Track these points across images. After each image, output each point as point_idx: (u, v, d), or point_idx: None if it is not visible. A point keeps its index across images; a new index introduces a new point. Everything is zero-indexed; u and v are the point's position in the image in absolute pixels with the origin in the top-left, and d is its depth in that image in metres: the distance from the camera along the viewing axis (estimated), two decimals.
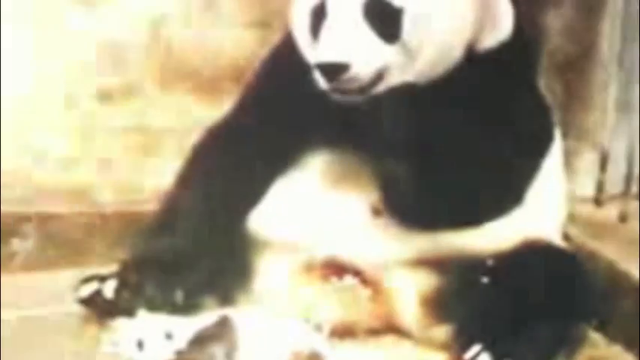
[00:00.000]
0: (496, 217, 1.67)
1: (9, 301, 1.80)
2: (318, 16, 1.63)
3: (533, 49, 1.81)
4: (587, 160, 2.30)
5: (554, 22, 2.28)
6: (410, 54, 1.60)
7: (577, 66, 2.31)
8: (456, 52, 1.62)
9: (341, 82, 1.56)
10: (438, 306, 1.67)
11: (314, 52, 1.60)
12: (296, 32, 1.70)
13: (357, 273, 1.72)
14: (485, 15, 1.64)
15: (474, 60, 1.63)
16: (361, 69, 1.56)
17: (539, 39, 2.17)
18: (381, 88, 1.60)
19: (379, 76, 1.59)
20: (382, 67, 1.59)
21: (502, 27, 1.68)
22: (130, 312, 1.68)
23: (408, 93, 1.60)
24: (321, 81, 1.59)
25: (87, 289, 1.72)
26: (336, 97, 1.59)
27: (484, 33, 1.65)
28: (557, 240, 1.77)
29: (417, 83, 1.61)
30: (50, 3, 2.08)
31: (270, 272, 1.74)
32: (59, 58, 2.11)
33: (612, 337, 1.80)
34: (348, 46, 1.56)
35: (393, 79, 1.61)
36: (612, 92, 2.24)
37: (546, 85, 1.83)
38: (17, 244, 2.07)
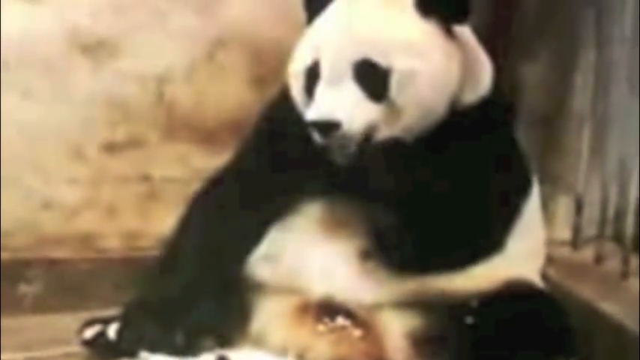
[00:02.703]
0: (479, 261, 1.69)
1: (16, 343, 1.81)
2: (312, 76, 1.66)
3: (510, 102, 1.85)
4: (563, 205, 2.31)
5: (530, 76, 2.32)
6: (396, 111, 1.62)
7: (552, 116, 2.33)
8: (440, 109, 1.65)
9: (333, 139, 1.59)
10: (426, 345, 1.67)
11: (308, 111, 1.62)
12: (292, 91, 1.73)
13: (348, 314, 1.72)
14: (467, 72, 1.67)
15: (455, 115, 1.66)
16: (351, 126, 1.59)
17: (516, 92, 2.22)
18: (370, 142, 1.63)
19: (368, 133, 1.62)
20: (370, 124, 1.62)
21: (482, 83, 1.71)
22: (132, 353, 1.68)
23: (394, 147, 1.63)
24: (315, 137, 1.62)
25: (91, 332, 1.72)
26: (335, 159, 1.62)
27: (466, 89, 1.67)
28: (537, 281, 1.79)
29: (403, 138, 1.63)
30: (60, 58, 2.10)
31: (266, 314, 1.74)
32: (67, 111, 2.13)
33: None
34: (339, 105, 1.60)
35: (381, 135, 1.64)
36: (585, 140, 2.26)
37: (523, 134, 1.84)
38: (24, 289, 2.08)
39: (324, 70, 1.64)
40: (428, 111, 1.64)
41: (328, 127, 1.59)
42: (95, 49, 2.12)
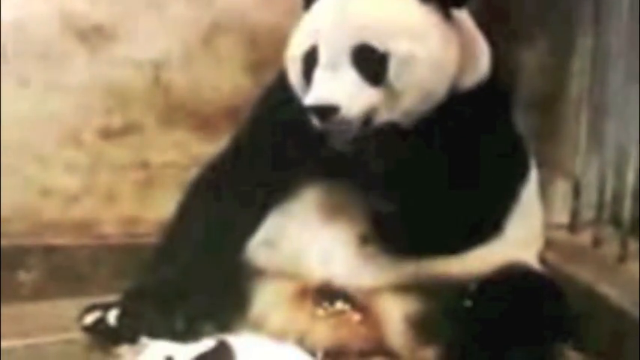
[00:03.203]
0: (477, 245, 1.69)
1: (16, 329, 1.80)
2: (310, 61, 1.65)
3: (508, 86, 1.84)
4: (561, 189, 2.31)
5: (528, 61, 2.31)
6: (395, 96, 1.61)
7: (550, 101, 2.33)
8: (439, 93, 1.64)
9: (332, 123, 1.58)
10: (425, 328, 1.68)
11: (307, 96, 1.61)
12: (290, 76, 1.72)
13: (347, 298, 1.73)
14: (465, 57, 1.66)
15: (454, 99, 1.65)
16: (350, 110, 1.58)
17: (514, 77, 2.21)
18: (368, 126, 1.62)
19: (367, 117, 1.61)
20: (369, 108, 1.61)
21: (480, 67, 1.71)
22: (132, 339, 1.68)
23: (392, 131, 1.62)
24: (314, 121, 1.61)
25: (91, 318, 1.72)
26: (333, 144, 1.61)
27: (464, 74, 1.67)
28: (535, 264, 1.78)
29: (402, 122, 1.63)
30: (56, 45, 2.09)
31: (266, 299, 1.74)
32: (65, 98, 2.12)
33: (590, 356, 1.81)
34: (337, 89, 1.59)
35: (380, 119, 1.63)
36: (583, 124, 2.26)
37: (521, 119, 1.84)
38: (23, 276, 2.08)
39: (322, 55, 1.63)
40: (427, 95, 1.63)
41: (327, 111, 1.58)
42: (91, 35, 2.11)
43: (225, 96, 2.23)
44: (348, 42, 1.61)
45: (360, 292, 1.72)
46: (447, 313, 1.66)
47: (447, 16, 1.65)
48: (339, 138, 1.61)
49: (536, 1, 2.32)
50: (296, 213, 1.76)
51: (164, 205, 1.89)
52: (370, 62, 1.60)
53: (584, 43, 2.27)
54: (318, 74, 1.62)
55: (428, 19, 1.63)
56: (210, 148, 1.92)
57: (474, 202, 1.64)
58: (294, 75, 1.71)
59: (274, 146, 1.75)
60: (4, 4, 2.04)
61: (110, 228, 2.19)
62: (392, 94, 1.62)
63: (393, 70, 1.60)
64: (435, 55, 1.62)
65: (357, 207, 1.71)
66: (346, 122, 1.59)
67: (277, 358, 1.62)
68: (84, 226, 2.16)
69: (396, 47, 1.60)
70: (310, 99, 1.59)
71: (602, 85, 2.23)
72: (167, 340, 1.65)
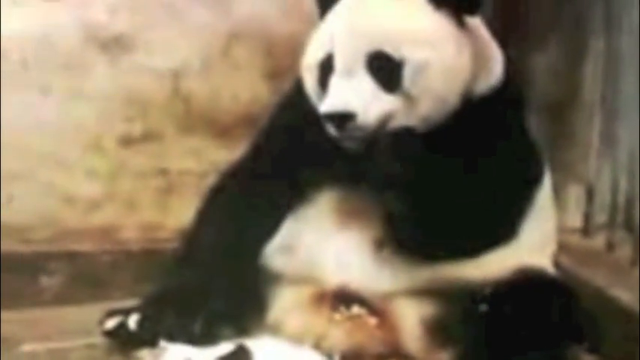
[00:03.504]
0: (492, 249, 1.70)
1: (38, 334, 1.83)
2: (325, 69, 1.67)
3: (521, 92, 1.83)
4: (575, 193, 2.31)
5: (540, 65, 2.33)
6: (411, 102, 1.63)
7: (562, 105, 2.34)
8: (454, 99, 1.65)
9: (348, 131, 1.60)
10: (440, 332, 1.69)
11: (323, 103, 1.62)
12: (306, 84, 1.73)
13: (364, 303, 1.74)
14: (478, 63, 1.67)
15: (468, 105, 1.66)
16: (366, 117, 1.60)
17: (527, 81, 2.21)
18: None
19: (383, 124, 1.62)
20: (385, 115, 1.62)
21: (494, 73, 1.72)
22: (152, 343, 1.70)
23: (407, 136, 1.63)
24: (330, 129, 1.62)
25: (111, 322, 1.74)
26: (346, 144, 1.62)
27: (478, 80, 1.68)
28: (549, 268, 1.79)
29: (414, 127, 1.63)
30: (77, 54, 2.12)
31: (283, 303, 1.76)
32: (86, 106, 2.15)
33: (603, 358, 1.79)
34: (353, 96, 1.60)
35: (395, 125, 1.64)
36: (596, 128, 2.27)
37: (534, 123, 1.84)
38: (45, 281, 2.10)
39: (338, 63, 1.64)
40: (441, 101, 1.64)
41: (343, 118, 1.59)
42: (112, 45, 2.15)
43: (244, 104, 2.26)
44: (363, 49, 1.62)
45: (376, 297, 1.73)
46: (463, 317, 1.66)
47: (461, 23, 1.66)
48: (354, 141, 1.62)
49: (548, 6, 2.33)
50: (312, 218, 1.78)
51: (183, 212, 1.91)
52: (386, 69, 1.61)
53: (596, 47, 2.28)
54: (334, 82, 1.63)
55: (442, 25, 1.64)
56: (228, 155, 1.94)
57: (489, 207, 1.65)
58: (310, 83, 1.73)
59: (291, 153, 1.76)
60: (27, 16, 2.07)
61: (131, 234, 2.21)
62: (407, 101, 1.63)
63: (408, 76, 1.62)
64: (449, 62, 1.63)
65: (373, 212, 1.72)
66: (362, 129, 1.60)
67: None
68: (105, 232, 2.19)
69: (411, 54, 1.61)
70: (326, 106, 1.60)
71: (615, 90, 2.23)
72: (186, 344, 1.67)
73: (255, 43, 2.26)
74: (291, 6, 2.21)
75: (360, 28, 1.64)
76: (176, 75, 2.21)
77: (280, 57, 2.24)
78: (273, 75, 2.25)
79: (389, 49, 1.62)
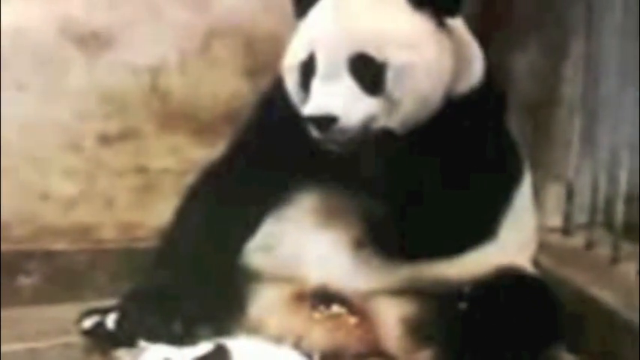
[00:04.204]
0: (472, 248, 1.70)
1: (16, 333, 1.82)
2: (307, 71, 1.66)
3: (502, 92, 1.84)
4: (554, 193, 2.31)
5: (521, 65, 2.32)
6: (393, 104, 1.63)
7: (542, 105, 2.34)
8: (436, 101, 1.65)
9: (331, 133, 1.59)
10: (420, 331, 1.70)
11: (305, 106, 1.62)
12: (287, 85, 1.73)
13: (343, 302, 1.74)
14: (460, 63, 1.68)
15: (448, 105, 1.66)
16: (349, 120, 1.59)
17: (508, 81, 2.20)
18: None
19: (365, 126, 1.62)
20: (368, 117, 1.62)
21: (474, 73, 1.72)
22: (130, 342, 1.68)
23: (386, 136, 1.63)
24: (313, 131, 1.62)
25: (89, 322, 1.72)
26: (328, 146, 1.62)
27: (458, 80, 1.68)
28: (529, 267, 1.80)
29: (398, 129, 1.64)
30: (54, 51, 2.09)
31: (263, 302, 1.75)
32: (63, 104, 2.12)
33: (582, 357, 1.83)
34: (336, 99, 1.60)
35: (377, 126, 1.64)
36: (576, 128, 2.27)
37: (514, 123, 1.85)
38: (23, 280, 2.08)
39: (320, 65, 1.64)
40: (424, 103, 1.65)
41: (326, 121, 1.59)
42: (89, 41, 2.11)
43: (223, 101, 2.23)
44: (345, 51, 1.62)
45: (356, 296, 1.73)
46: (442, 316, 1.67)
47: (441, 23, 1.66)
48: (336, 143, 1.61)
49: (529, 6, 2.32)
50: (292, 217, 1.78)
51: (162, 210, 1.89)
52: (368, 71, 1.61)
53: (577, 47, 2.28)
54: (316, 84, 1.63)
55: (423, 27, 1.64)
56: (207, 153, 1.93)
57: (468, 206, 1.66)
58: (292, 84, 1.72)
59: (271, 151, 1.76)
60: (4, 11, 2.03)
61: (109, 233, 2.19)
62: (390, 103, 1.63)
63: (390, 79, 1.62)
64: (431, 63, 1.63)
65: (353, 211, 1.73)
66: (345, 132, 1.60)
67: None
68: (83, 231, 2.16)
69: (394, 56, 1.61)
70: (309, 109, 1.60)
71: (595, 89, 2.24)
72: (165, 343, 1.66)
73: (234, 40, 2.23)
74: (271, 2, 2.18)
75: (342, 30, 1.64)
76: (154, 72, 2.18)
77: (260, 54, 2.21)
78: (252, 72, 2.22)
79: (371, 52, 1.62)
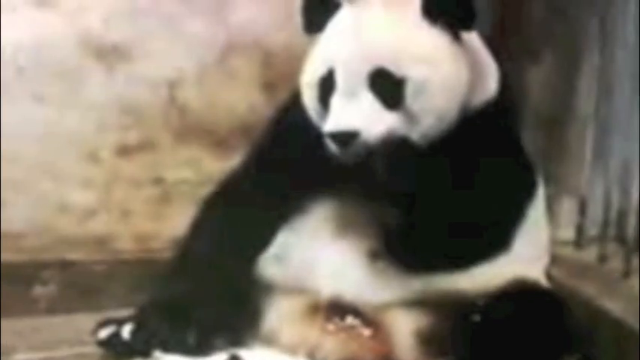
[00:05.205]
0: (486, 261, 1.71)
1: (32, 343, 1.83)
2: (326, 87, 1.68)
3: (516, 105, 1.86)
4: (567, 206, 2.33)
5: (535, 79, 2.34)
6: (412, 119, 1.64)
7: (556, 119, 2.36)
8: (453, 114, 1.67)
9: (352, 148, 1.61)
10: (434, 343, 1.70)
11: (325, 122, 1.64)
12: (306, 101, 1.74)
13: (358, 313, 1.75)
14: (475, 76, 1.69)
15: (463, 119, 1.68)
16: (369, 135, 1.61)
17: (522, 95, 2.22)
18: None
19: (385, 141, 1.62)
20: (388, 132, 1.63)
21: (489, 86, 1.74)
22: (145, 353, 1.71)
23: (403, 148, 1.64)
24: (333, 148, 1.63)
25: (105, 332, 1.74)
26: (347, 161, 1.62)
27: (473, 93, 1.69)
28: (542, 280, 1.81)
29: (411, 139, 1.65)
30: (73, 63, 2.13)
31: (277, 314, 1.77)
32: (80, 115, 2.15)
33: None
34: (356, 115, 1.61)
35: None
36: (589, 142, 2.29)
37: (528, 137, 1.86)
38: (39, 290, 2.10)
39: (339, 81, 1.65)
40: (442, 117, 1.66)
41: (347, 137, 1.60)
42: (108, 54, 2.15)
43: (239, 114, 2.26)
44: (364, 68, 1.64)
45: (370, 308, 1.74)
46: (456, 328, 1.68)
47: (456, 37, 1.68)
48: (355, 159, 1.62)
49: (542, 19, 2.35)
50: (306, 229, 1.79)
51: (178, 221, 1.91)
52: (387, 87, 1.63)
53: (591, 61, 2.30)
54: (336, 101, 1.65)
55: (439, 41, 1.66)
56: (223, 165, 1.95)
57: (482, 219, 1.67)
58: (310, 100, 1.73)
59: (286, 163, 1.77)
60: (22, 24, 2.08)
61: (125, 243, 2.22)
62: (409, 118, 1.65)
63: (410, 94, 1.63)
64: (448, 78, 1.65)
65: (367, 223, 1.74)
66: (366, 147, 1.61)
67: None
68: (99, 242, 2.19)
69: (412, 72, 1.63)
70: (330, 126, 1.62)
71: (608, 103, 2.25)
72: (180, 354, 1.68)
73: (251, 53, 2.26)
74: (287, 16, 2.15)
75: (361, 47, 1.65)
76: (172, 84, 2.21)
77: (276, 67, 2.25)
78: (269, 85, 2.26)
79: (391, 67, 1.63)
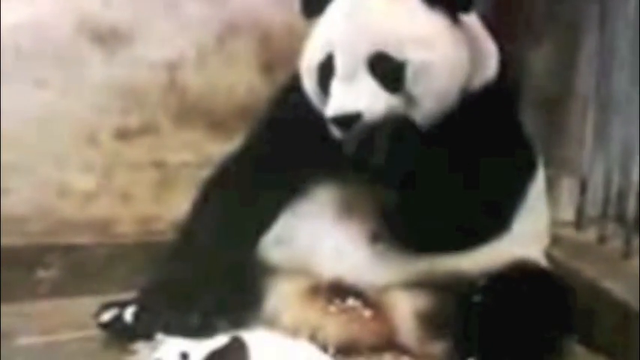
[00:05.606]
0: (486, 242, 1.73)
1: (35, 327, 1.84)
2: (326, 71, 1.68)
3: (516, 86, 1.87)
4: (567, 187, 2.32)
5: (535, 61, 2.33)
6: (413, 102, 1.65)
7: (556, 100, 2.35)
8: (453, 96, 1.68)
9: (354, 131, 1.61)
10: (435, 323, 1.72)
11: (326, 106, 1.64)
12: (306, 85, 1.75)
13: (359, 295, 1.77)
14: (475, 58, 1.70)
15: (463, 100, 1.68)
16: (372, 116, 1.61)
17: (522, 76, 2.21)
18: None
19: (387, 121, 1.63)
20: (390, 113, 1.63)
21: (488, 68, 1.74)
22: (148, 335, 1.72)
23: (403, 129, 1.65)
24: (335, 131, 1.64)
25: (108, 315, 1.76)
26: (348, 145, 1.63)
27: (473, 75, 1.70)
28: (542, 261, 1.83)
29: (412, 120, 1.66)
30: (72, 46, 2.11)
31: (279, 296, 1.78)
32: (80, 98, 2.13)
33: (595, 349, 1.84)
34: (357, 97, 1.62)
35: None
36: (589, 123, 2.29)
37: (528, 118, 1.86)
38: (42, 274, 2.10)
39: (339, 66, 1.66)
40: (442, 99, 1.67)
41: (349, 119, 1.61)
42: (107, 37, 2.13)
43: (239, 96, 2.25)
44: (364, 52, 1.64)
45: (371, 289, 1.76)
46: (457, 308, 1.69)
47: (455, 20, 1.68)
48: (356, 141, 1.62)
49: (543, 2, 2.33)
50: (308, 211, 1.80)
51: (179, 204, 1.92)
52: (387, 70, 1.64)
53: (590, 42, 2.29)
54: (336, 85, 1.65)
55: (439, 24, 1.66)
56: (224, 147, 1.94)
57: (482, 200, 1.68)
58: (311, 85, 1.74)
59: (287, 145, 1.77)
60: (22, 7, 2.06)
61: (126, 227, 2.21)
62: (410, 101, 1.65)
63: (410, 77, 1.64)
64: (448, 60, 1.65)
65: (369, 205, 1.75)
66: (368, 129, 1.61)
67: (290, 354, 1.66)
68: (101, 225, 2.18)
69: (412, 55, 1.63)
70: (331, 110, 1.62)
71: (608, 84, 2.24)
72: (182, 336, 1.69)
73: (251, 35, 2.25)
74: None
75: (360, 31, 1.66)
76: (172, 67, 2.20)
77: (276, 49, 2.24)
78: (269, 67, 2.24)
79: (390, 51, 1.64)
